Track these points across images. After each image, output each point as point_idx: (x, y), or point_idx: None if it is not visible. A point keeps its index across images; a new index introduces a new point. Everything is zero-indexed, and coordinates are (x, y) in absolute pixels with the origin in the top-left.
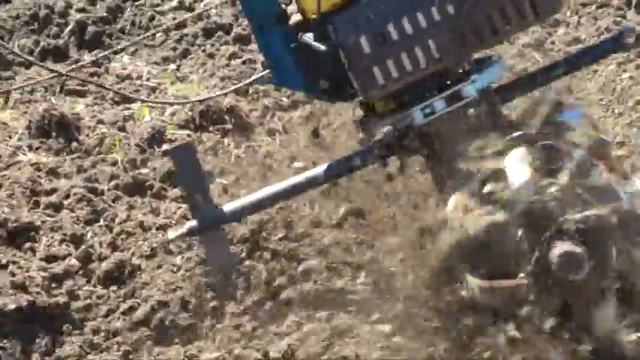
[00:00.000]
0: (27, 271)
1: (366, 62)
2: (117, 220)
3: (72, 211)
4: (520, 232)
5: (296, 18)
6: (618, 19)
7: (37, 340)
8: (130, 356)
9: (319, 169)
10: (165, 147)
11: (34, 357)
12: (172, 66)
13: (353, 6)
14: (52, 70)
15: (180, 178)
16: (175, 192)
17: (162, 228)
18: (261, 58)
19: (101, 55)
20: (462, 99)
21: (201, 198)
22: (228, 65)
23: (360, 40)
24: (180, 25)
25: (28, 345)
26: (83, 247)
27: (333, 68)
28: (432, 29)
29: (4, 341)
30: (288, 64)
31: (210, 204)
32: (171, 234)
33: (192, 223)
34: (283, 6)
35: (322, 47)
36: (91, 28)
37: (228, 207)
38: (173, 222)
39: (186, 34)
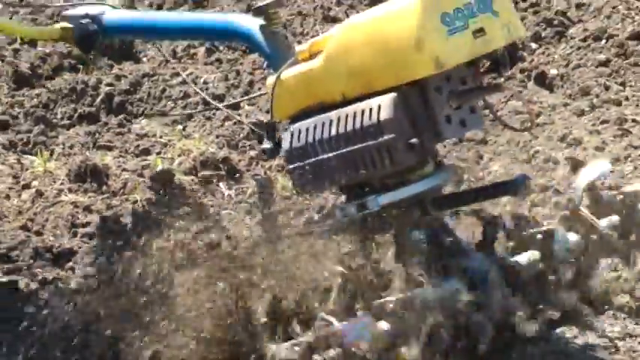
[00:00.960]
0: (68, 285)
1: (297, 168)
2: (137, 245)
3: (103, 238)
4: None
5: None
6: (520, 88)
7: (76, 339)
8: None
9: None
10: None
11: (73, 351)
12: (179, 127)
13: (295, 122)
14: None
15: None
16: (181, 224)
17: (173, 251)
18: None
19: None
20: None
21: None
22: (222, 126)
23: (292, 151)
24: (185, 96)
25: (68, 343)
26: (112, 266)
27: None
28: (330, 156)
29: (50, 341)
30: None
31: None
32: None
33: None
34: None
35: (268, 146)
36: (117, 98)
37: None
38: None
39: (190, 102)
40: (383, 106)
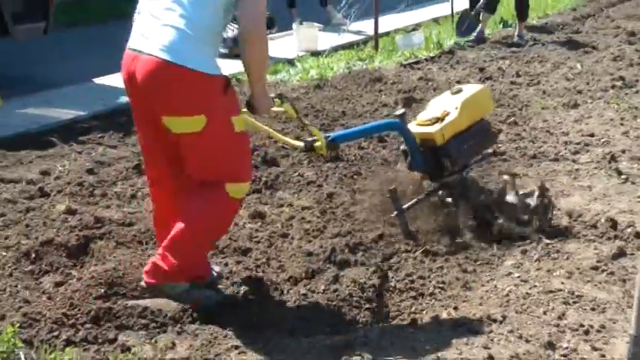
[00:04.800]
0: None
1: (458, 158)
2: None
3: (263, 243)
4: None
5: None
6: None
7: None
8: None
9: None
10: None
11: None
12: (296, 195)
13: (451, 140)
14: None
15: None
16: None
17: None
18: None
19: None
20: None
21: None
22: (315, 193)
23: (456, 152)
24: (298, 181)
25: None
26: (266, 254)
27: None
28: (471, 148)
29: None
30: (420, 160)
31: (400, 206)
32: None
33: (396, 212)
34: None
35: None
36: (269, 182)
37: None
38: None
39: (301, 183)
40: (488, 125)
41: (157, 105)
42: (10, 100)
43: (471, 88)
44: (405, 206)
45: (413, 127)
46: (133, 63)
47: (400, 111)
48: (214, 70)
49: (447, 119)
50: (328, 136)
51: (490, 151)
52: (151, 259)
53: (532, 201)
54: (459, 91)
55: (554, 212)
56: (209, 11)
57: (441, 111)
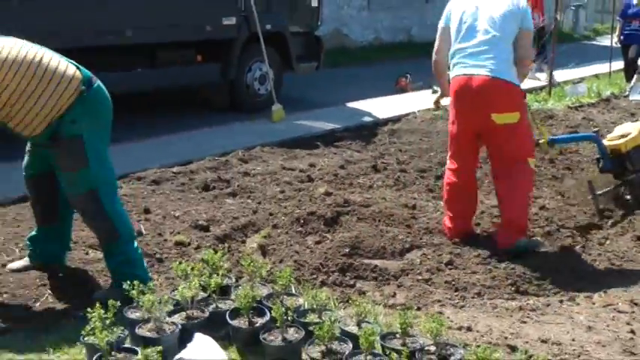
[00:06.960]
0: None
1: (636, 162)
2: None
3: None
4: None
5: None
6: None
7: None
8: None
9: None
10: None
11: None
12: (486, 197)
13: (631, 150)
14: None
15: None
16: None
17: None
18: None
19: None
20: None
21: None
22: None
23: (635, 158)
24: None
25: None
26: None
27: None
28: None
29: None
30: (609, 163)
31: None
32: None
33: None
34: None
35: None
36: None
37: None
38: None
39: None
40: None
41: (489, 106)
42: (291, 115)
43: None
44: (598, 192)
45: (605, 142)
46: (468, 82)
47: (596, 129)
48: (520, 84)
49: (629, 136)
50: (551, 138)
51: None
52: (495, 234)
53: None
54: (637, 120)
55: None
56: (512, 52)
57: (624, 131)
